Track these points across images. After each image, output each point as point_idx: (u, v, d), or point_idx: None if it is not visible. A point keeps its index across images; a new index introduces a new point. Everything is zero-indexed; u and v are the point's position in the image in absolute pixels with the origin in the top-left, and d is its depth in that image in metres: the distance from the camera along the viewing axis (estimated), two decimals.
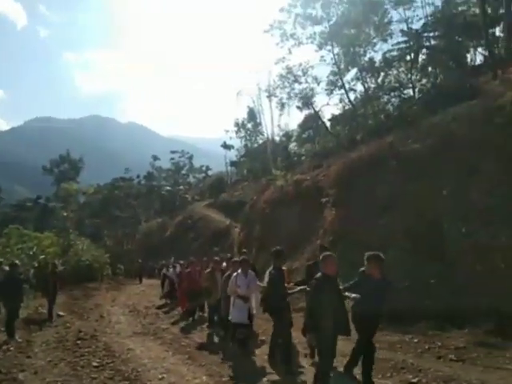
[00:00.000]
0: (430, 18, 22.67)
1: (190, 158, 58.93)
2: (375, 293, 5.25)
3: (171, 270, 15.54)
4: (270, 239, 15.01)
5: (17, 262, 11.18)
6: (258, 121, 42.14)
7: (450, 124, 10.30)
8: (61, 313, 12.96)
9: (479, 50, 22.73)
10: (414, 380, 5.31)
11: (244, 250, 11.24)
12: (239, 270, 7.12)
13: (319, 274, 4.96)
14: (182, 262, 14.59)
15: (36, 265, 17.09)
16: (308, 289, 6.10)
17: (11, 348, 8.82)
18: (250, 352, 7.13)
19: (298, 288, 6.69)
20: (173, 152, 58.40)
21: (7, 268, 10.67)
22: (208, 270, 9.86)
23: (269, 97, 30.38)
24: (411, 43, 23.57)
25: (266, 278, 7.44)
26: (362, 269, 5.51)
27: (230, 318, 7.35)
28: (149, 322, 11.39)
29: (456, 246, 7.67)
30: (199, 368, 6.78)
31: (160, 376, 6.41)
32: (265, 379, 5.92)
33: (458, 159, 9.52)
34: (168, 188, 54.40)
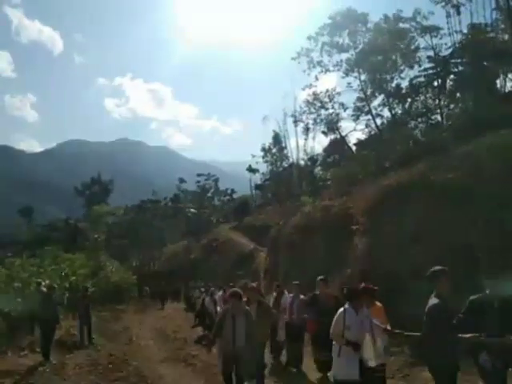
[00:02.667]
0: (457, 45, 22.72)
1: (216, 180, 59.80)
2: None
3: (207, 298, 13.57)
4: (298, 266, 14.97)
5: (54, 285, 11.53)
6: (283, 145, 42.61)
7: (483, 154, 10.20)
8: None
9: (510, 76, 22.50)
10: None
11: (277, 283, 9.90)
12: (346, 305, 5.16)
13: None
14: (231, 284, 12.46)
15: (68, 286, 17.57)
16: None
17: (47, 370, 9.06)
18: None
19: (471, 335, 4.21)
20: (199, 175, 59.47)
21: (45, 289, 11.02)
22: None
23: (295, 122, 30.87)
24: (438, 69, 23.64)
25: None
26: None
27: (332, 373, 5.32)
28: (178, 348, 11.45)
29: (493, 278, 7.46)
30: None
31: None
32: None
33: (491, 190, 9.37)
34: (193, 210, 55.13)
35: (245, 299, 6.47)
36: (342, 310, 5.12)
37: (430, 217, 10.14)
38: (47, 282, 13.88)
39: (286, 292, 8.72)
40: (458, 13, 22.15)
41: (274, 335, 8.31)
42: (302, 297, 8.12)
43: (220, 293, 13.14)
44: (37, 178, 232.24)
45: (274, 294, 9.01)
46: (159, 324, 16.82)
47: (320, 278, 7.36)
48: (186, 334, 13.93)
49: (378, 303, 5.77)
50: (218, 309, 12.35)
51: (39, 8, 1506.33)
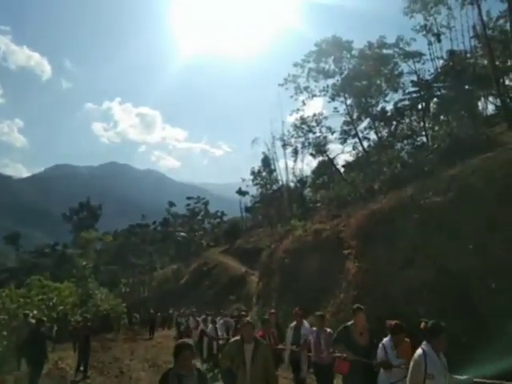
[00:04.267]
0: (439, 70, 23.55)
1: (206, 203, 59.68)
2: None
3: (210, 326, 12.48)
4: (291, 291, 14.88)
5: (43, 318, 11.22)
6: (272, 167, 42.95)
7: (469, 177, 10.45)
8: (81, 368, 12.77)
9: (490, 99, 23.31)
10: None
11: (297, 308, 8.19)
12: (424, 346, 4.09)
13: None
14: (243, 311, 11.36)
15: (55, 316, 17.14)
16: None
17: None
18: None
19: None
20: (189, 198, 59.32)
21: (33, 321, 10.72)
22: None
23: (284, 146, 31.27)
24: (422, 93, 24.37)
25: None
26: None
27: None
28: None
29: (487, 302, 7.54)
30: None
31: None
32: None
33: (478, 213, 9.55)
34: (183, 234, 54.73)
35: (238, 337, 5.22)
36: (420, 352, 4.07)
37: (421, 241, 10.25)
38: (35, 312, 13.57)
39: (306, 322, 7.74)
40: (439, 40, 23.05)
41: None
42: (328, 330, 7.01)
43: (221, 321, 12.77)
44: (24, 204, 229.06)
45: (294, 323, 7.83)
46: (150, 354, 16.35)
47: (356, 305, 6.09)
48: None
49: (407, 339, 5.03)
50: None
51: (28, 34, 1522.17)
